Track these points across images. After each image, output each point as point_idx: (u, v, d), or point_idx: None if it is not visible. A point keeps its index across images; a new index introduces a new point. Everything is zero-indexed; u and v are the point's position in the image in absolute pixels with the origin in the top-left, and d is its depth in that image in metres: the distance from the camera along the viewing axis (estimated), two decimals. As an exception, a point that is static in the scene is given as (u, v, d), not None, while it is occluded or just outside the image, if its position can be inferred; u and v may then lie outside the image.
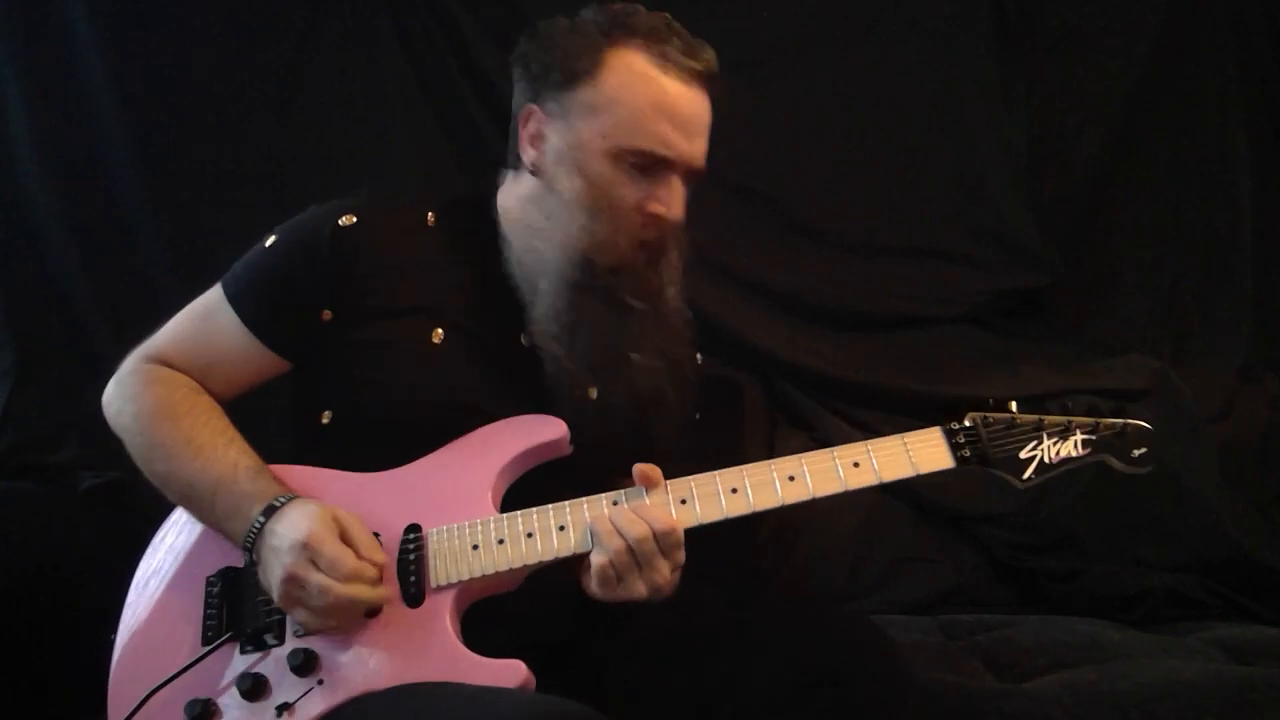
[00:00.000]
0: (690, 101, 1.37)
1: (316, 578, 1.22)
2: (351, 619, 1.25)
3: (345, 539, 1.25)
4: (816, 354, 2.36)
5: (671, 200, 1.37)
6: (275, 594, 1.25)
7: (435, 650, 1.24)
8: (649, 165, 1.36)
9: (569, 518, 1.29)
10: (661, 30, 1.38)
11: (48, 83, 2.22)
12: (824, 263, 2.44)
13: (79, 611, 1.41)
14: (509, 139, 1.47)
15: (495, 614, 1.30)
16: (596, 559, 1.24)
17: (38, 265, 2.24)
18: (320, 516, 1.25)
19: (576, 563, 1.30)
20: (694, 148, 1.39)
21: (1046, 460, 1.32)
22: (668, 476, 1.32)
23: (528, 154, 1.42)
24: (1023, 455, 1.32)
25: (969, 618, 2.05)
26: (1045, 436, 1.32)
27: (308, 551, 1.22)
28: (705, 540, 1.40)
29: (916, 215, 2.48)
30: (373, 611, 1.26)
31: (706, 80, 1.39)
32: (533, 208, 1.41)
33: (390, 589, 1.28)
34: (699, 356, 1.60)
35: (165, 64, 2.26)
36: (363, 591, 1.23)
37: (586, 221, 1.36)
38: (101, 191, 2.25)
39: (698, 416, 1.60)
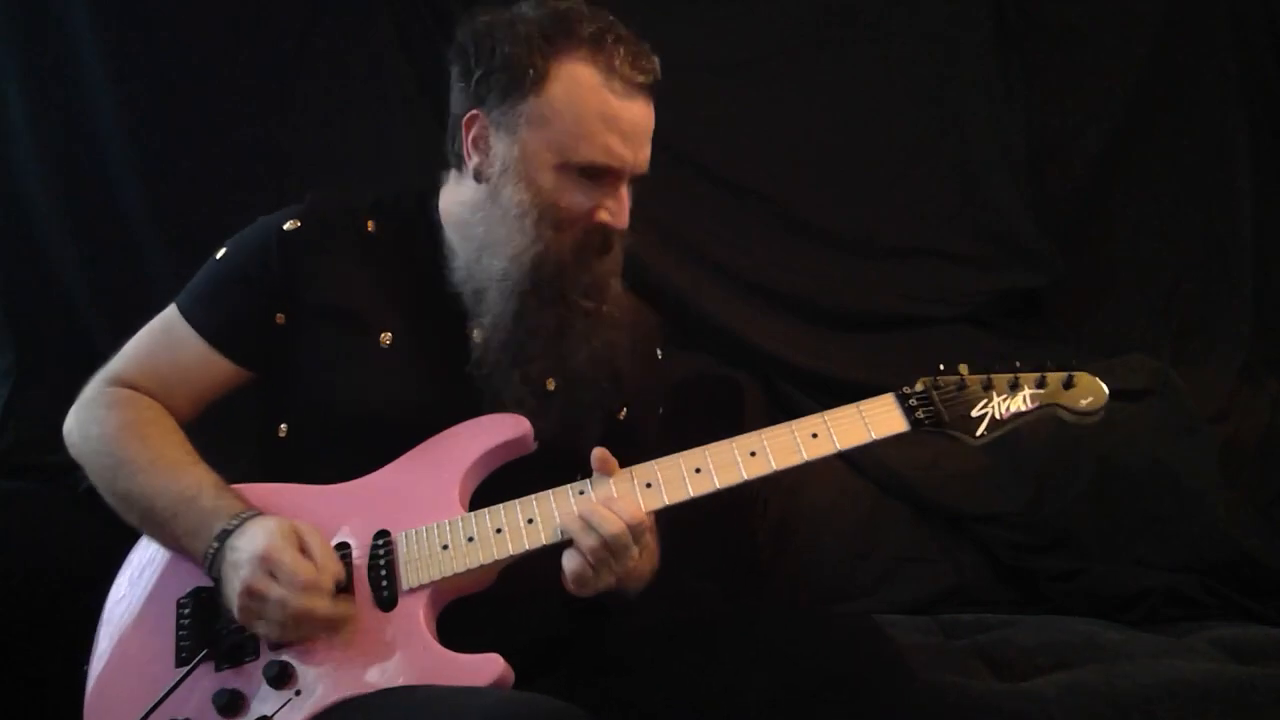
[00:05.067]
0: (636, 113, 1.35)
1: (275, 590, 1.21)
2: (314, 631, 1.24)
3: (304, 551, 1.24)
4: (816, 354, 2.37)
5: (619, 209, 1.37)
6: (234, 607, 1.24)
7: (411, 651, 1.24)
8: (597, 175, 1.35)
9: (536, 511, 1.29)
10: (606, 38, 1.34)
11: (48, 83, 2.22)
12: (824, 263, 2.44)
13: (79, 611, 1.40)
14: (449, 138, 1.45)
15: (483, 615, 1.30)
16: (572, 562, 1.25)
17: (38, 265, 2.24)
18: (279, 530, 1.25)
19: (558, 557, 1.30)
20: (639, 157, 1.38)
21: (997, 416, 1.34)
22: (644, 460, 1.32)
23: (472, 159, 1.40)
24: (974, 414, 1.34)
25: (969, 618, 2.06)
26: (995, 394, 1.35)
27: (266, 564, 1.22)
28: (705, 538, 1.40)
29: (916, 215, 2.48)
30: (337, 623, 1.25)
31: (650, 90, 1.38)
32: (478, 216, 1.40)
33: (360, 597, 1.27)
34: (660, 352, 1.61)
35: (165, 64, 2.26)
36: (319, 604, 1.22)
37: (533, 231, 1.35)
38: (101, 191, 2.25)
39: (660, 411, 1.61)
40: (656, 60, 1.37)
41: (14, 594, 1.67)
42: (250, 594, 1.22)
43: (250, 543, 1.24)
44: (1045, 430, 2.21)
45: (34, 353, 2.21)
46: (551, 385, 1.42)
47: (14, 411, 2.16)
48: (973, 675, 1.75)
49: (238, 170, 2.27)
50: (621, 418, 1.53)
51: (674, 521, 1.50)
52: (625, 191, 1.38)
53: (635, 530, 1.25)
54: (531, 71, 1.33)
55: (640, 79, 1.35)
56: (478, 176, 1.40)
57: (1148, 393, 2.30)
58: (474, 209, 1.41)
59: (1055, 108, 2.53)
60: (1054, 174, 2.54)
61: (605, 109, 1.33)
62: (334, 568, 1.26)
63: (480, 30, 1.38)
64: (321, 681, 1.23)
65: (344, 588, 1.27)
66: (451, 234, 1.45)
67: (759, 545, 2.19)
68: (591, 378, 1.42)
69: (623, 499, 1.27)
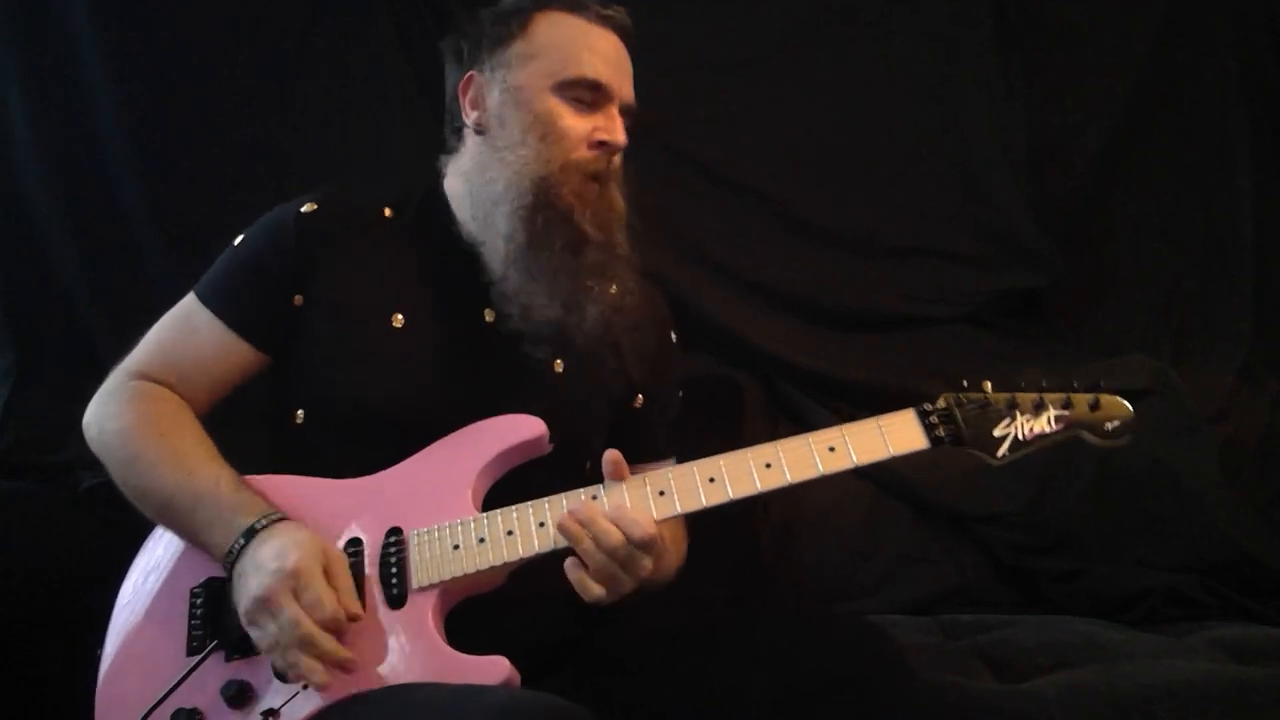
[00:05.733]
0: (612, 42, 1.48)
1: (291, 610, 1.19)
2: (303, 663, 1.20)
3: (329, 578, 1.23)
4: (816, 354, 2.37)
5: (612, 126, 1.44)
6: (243, 607, 1.23)
7: (419, 650, 1.24)
8: (588, 96, 1.44)
9: (548, 514, 1.29)
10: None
11: (48, 83, 2.22)
12: (824, 263, 2.44)
13: (79, 611, 1.41)
14: (447, 120, 1.54)
15: (490, 616, 1.31)
16: (575, 573, 1.24)
17: (38, 265, 2.23)
18: (311, 549, 1.24)
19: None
20: (623, 85, 1.48)
21: (1021, 437, 1.32)
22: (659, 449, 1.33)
23: (471, 116, 1.48)
24: (996, 433, 1.32)
25: (969, 618, 2.05)
26: (1018, 414, 1.33)
27: (295, 581, 1.20)
28: (710, 542, 1.39)
29: (916, 214, 2.48)
30: (330, 662, 1.22)
31: (622, 30, 1.50)
32: (482, 160, 1.46)
33: (370, 595, 1.28)
34: (674, 335, 1.63)
35: (165, 64, 2.26)
36: (327, 641, 1.20)
37: (538, 147, 1.42)
38: (101, 191, 2.25)
39: (681, 394, 1.62)
40: (624, 11, 1.51)
41: (14, 594, 1.67)
42: (266, 603, 1.20)
43: (281, 554, 1.23)
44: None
45: (34, 353, 2.21)
46: (560, 367, 1.43)
47: (14, 411, 2.16)
48: (973, 675, 1.74)
49: (238, 170, 2.27)
50: (638, 406, 1.54)
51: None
52: (616, 113, 1.45)
53: (644, 543, 1.23)
54: (514, 22, 1.48)
55: (609, 13, 1.49)
56: (479, 129, 1.47)
57: (1148, 393, 2.29)
58: (476, 159, 1.48)
59: (1055, 106, 2.53)
60: (1054, 173, 2.54)
61: (583, 34, 1.46)
62: (353, 605, 1.24)
63: (465, 21, 1.53)
64: (330, 676, 1.22)
65: (354, 619, 1.25)
66: (458, 202, 1.49)
67: (762, 548, 2.19)
68: (601, 351, 1.44)
69: (635, 507, 1.27)
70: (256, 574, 1.22)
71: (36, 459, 2.11)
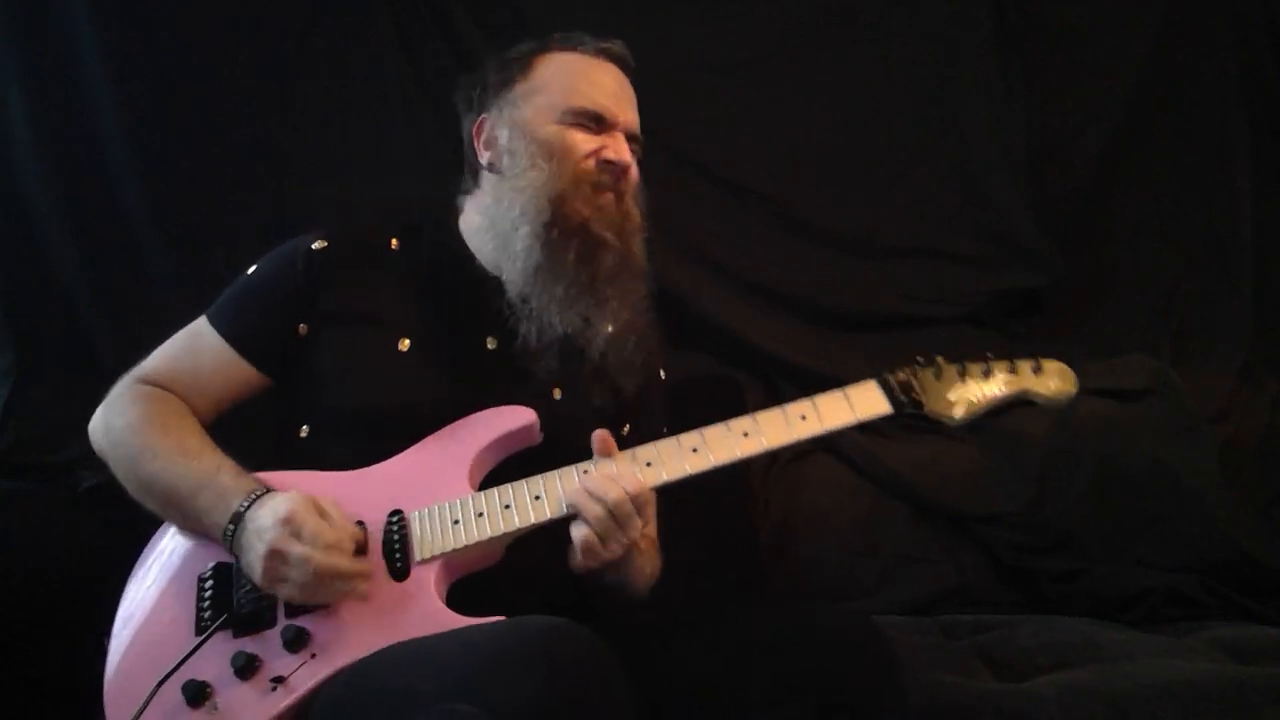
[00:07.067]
0: (612, 73, 1.57)
1: (298, 549, 1.26)
2: (333, 591, 1.28)
3: (323, 516, 1.31)
4: (816, 354, 2.37)
5: (618, 147, 1.53)
6: (257, 571, 1.29)
7: (423, 616, 1.29)
8: (592, 123, 1.52)
9: (543, 488, 1.37)
10: (575, 36, 1.59)
11: (48, 83, 2.22)
12: (824, 263, 2.44)
13: (79, 611, 1.42)
14: (466, 165, 1.62)
15: (492, 588, 1.35)
16: (579, 531, 1.32)
17: (38, 265, 2.23)
18: (298, 498, 1.31)
19: (563, 544, 1.35)
20: (626, 115, 1.56)
21: (973, 400, 1.46)
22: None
23: (484, 156, 1.58)
24: (951, 397, 1.47)
25: (969, 618, 2.05)
26: (970, 380, 1.48)
27: (290, 526, 1.28)
28: (708, 538, 1.40)
29: (916, 215, 2.48)
30: (357, 581, 1.30)
31: (620, 61, 1.59)
32: (498, 193, 1.54)
33: (375, 570, 1.33)
34: (663, 373, 1.68)
35: (165, 64, 2.26)
36: (341, 560, 1.28)
37: (548, 168, 1.49)
38: (101, 191, 2.24)
39: (665, 431, 1.63)
40: (622, 43, 1.59)
41: (14, 594, 1.67)
42: (274, 555, 1.27)
43: (271, 511, 1.30)
44: (1045, 430, 2.25)
45: (34, 353, 2.20)
46: (558, 394, 1.50)
47: (14, 411, 2.16)
48: (973, 675, 1.75)
49: (238, 170, 2.27)
50: (625, 434, 1.57)
51: (677, 520, 1.51)
52: (623, 140, 1.53)
53: (638, 500, 1.31)
54: (516, 66, 1.58)
55: (607, 46, 1.58)
56: (492, 168, 1.56)
57: (1148, 393, 2.30)
58: (493, 194, 1.55)
59: (1055, 108, 2.53)
60: (1054, 174, 2.54)
61: (584, 69, 1.56)
62: (352, 529, 1.33)
63: (473, 72, 1.64)
64: (336, 645, 1.27)
65: (362, 550, 1.33)
66: (475, 236, 1.57)
67: (760, 545, 2.19)
68: (601, 380, 1.51)
69: (624, 475, 1.34)
70: (256, 537, 1.29)
71: (36, 459, 2.11)
